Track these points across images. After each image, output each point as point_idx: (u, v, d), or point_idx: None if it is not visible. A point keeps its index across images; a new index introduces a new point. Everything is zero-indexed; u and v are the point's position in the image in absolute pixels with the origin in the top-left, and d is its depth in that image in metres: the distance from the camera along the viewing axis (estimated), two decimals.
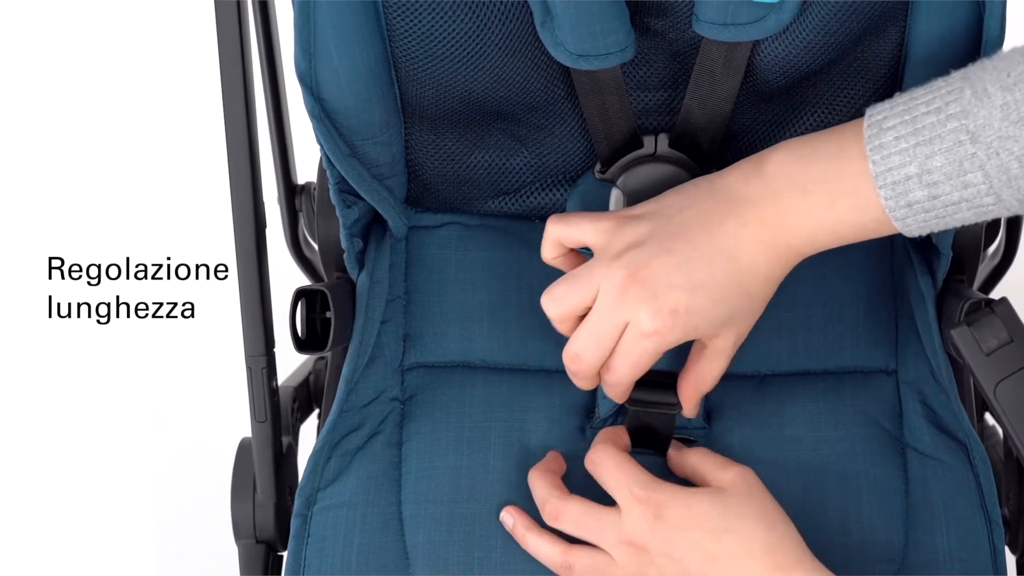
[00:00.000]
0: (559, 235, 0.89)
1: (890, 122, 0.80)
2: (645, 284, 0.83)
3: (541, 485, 0.91)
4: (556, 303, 0.87)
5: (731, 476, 0.88)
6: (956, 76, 0.80)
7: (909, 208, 0.80)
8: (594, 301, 0.85)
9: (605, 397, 0.95)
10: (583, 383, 0.89)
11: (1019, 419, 0.85)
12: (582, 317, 0.87)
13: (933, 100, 0.79)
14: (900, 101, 0.81)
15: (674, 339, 0.84)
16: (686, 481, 0.90)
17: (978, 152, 0.77)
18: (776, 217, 0.83)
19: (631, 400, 0.92)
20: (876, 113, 0.81)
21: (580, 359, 0.87)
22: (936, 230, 0.81)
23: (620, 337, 0.85)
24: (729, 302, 0.84)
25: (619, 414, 0.96)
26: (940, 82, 0.80)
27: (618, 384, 0.88)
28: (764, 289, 0.85)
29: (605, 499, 0.89)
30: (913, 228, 0.81)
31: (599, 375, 0.89)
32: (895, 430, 0.95)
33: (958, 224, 0.81)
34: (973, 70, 0.79)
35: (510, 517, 0.91)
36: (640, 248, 0.84)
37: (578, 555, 0.88)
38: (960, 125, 0.78)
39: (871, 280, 0.99)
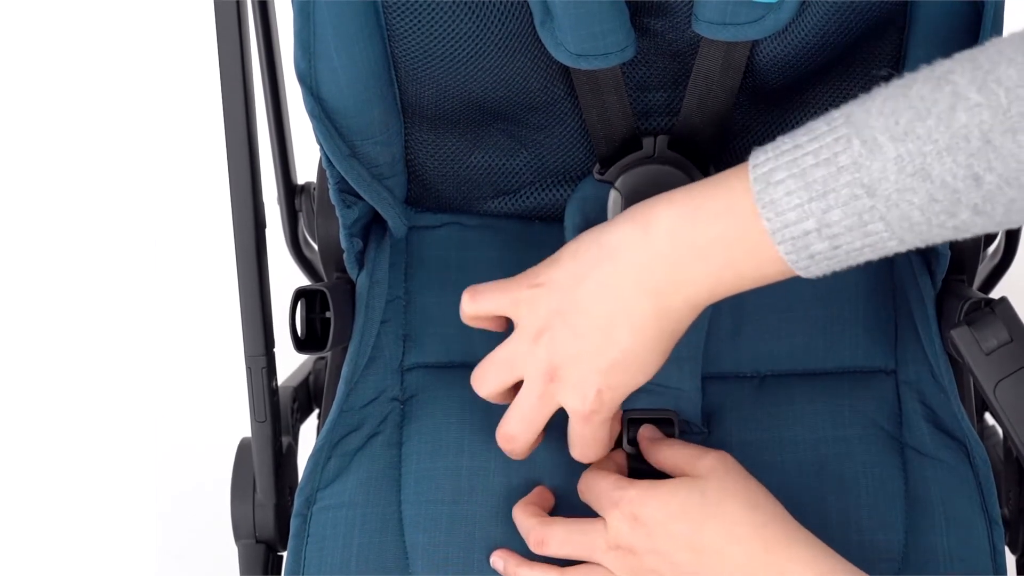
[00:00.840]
0: (476, 312, 0.89)
1: (778, 175, 0.77)
2: (565, 379, 0.84)
3: (523, 516, 0.91)
4: (484, 385, 0.89)
5: (708, 462, 0.87)
6: (838, 119, 0.75)
7: (812, 259, 0.78)
8: (519, 379, 0.87)
9: None
10: (520, 457, 0.90)
11: (1019, 419, 0.85)
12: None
13: (820, 151, 0.76)
14: (784, 149, 0.77)
15: (611, 408, 0.85)
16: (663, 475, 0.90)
17: (877, 205, 0.74)
18: (673, 284, 0.81)
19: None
20: (760, 165, 0.77)
21: (515, 440, 0.88)
22: (838, 270, 0.79)
23: (550, 416, 0.87)
24: (645, 364, 0.83)
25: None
26: (822, 126, 0.76)
27: (588, 456, 0.89)
28: (676, 338, 0.84)
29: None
30: (815, 273, 0.79)
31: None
32: (895, 430, 0.95)
33: (863, 261, 0.78)
34: (856, 113, 0.75)
35: (500, 560, 0.91)
36: (553, 332, 0.84)
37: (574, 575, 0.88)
38: (854, 179, 0.75)
39: (870, 280, 0.99)
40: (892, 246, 0.76)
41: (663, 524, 0.84)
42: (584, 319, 0.83)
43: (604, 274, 0.82)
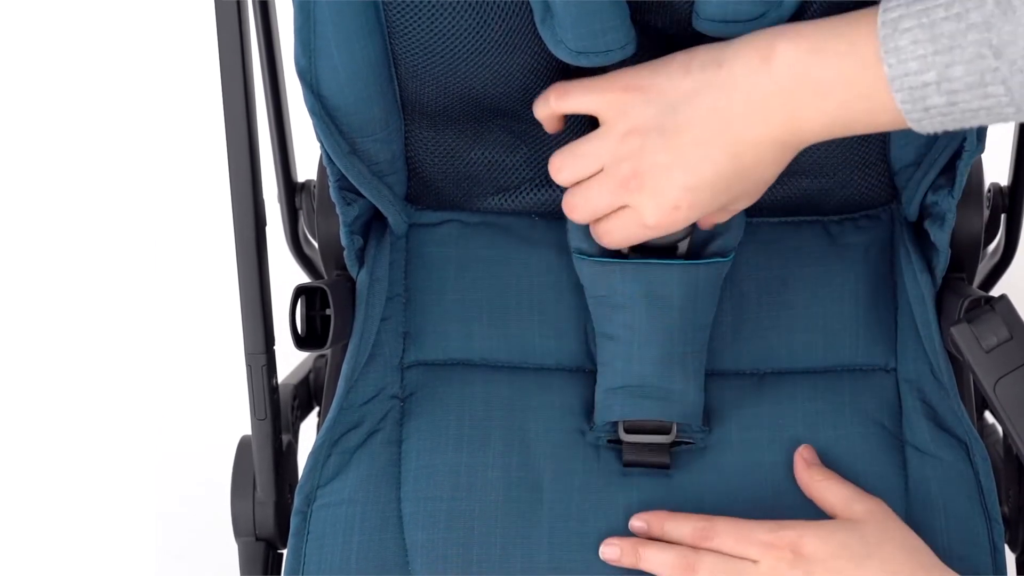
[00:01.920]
0: (561, 109, 0.88)
1: (906, 23, 0.77)
2: (646, 181, 0.83)
3: (668, 546, 0.90)
4: (560, 173, 0.88)
5: (866, 507, 0.88)
6: None
7: (926, 112, 0.77)
8: (598, 172, 0.86)
9: (602, 404, 0.95)
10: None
11: (1019, 416, 0.85)
12: None
13: (952, 4, 0.76)
14: None
15: (675, 229, 0.85)
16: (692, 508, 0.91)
17: (1001, 67, 0.75)
18: (786, 117, 0.81)
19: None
20: (891, 10, 0.77)
21: (574, 211, 0.89)
22: (951, 130, 0.79)
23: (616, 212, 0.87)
24: (732, 190, 0.84)
25: (615, 425, 0.96)
26: None
27: (605, 241, 0.89)
28: (770, 172, 0.84)
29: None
30: (928, 128, 0.79)
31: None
32: (895, 428, 0.95)
33: (974, 126, 0.78)
34: None
35: (614, 548, 0.91)
36: (644, 138, 0.83)
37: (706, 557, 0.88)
38: (983, 38, 0.75)
39: (870, 278, 0.99)
40: (1009, 113, 0.76)
41: (823, 561, 0.84)
42: (683, 136, 0.83)
43: (715, 97, 0.82)
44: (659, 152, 0.83)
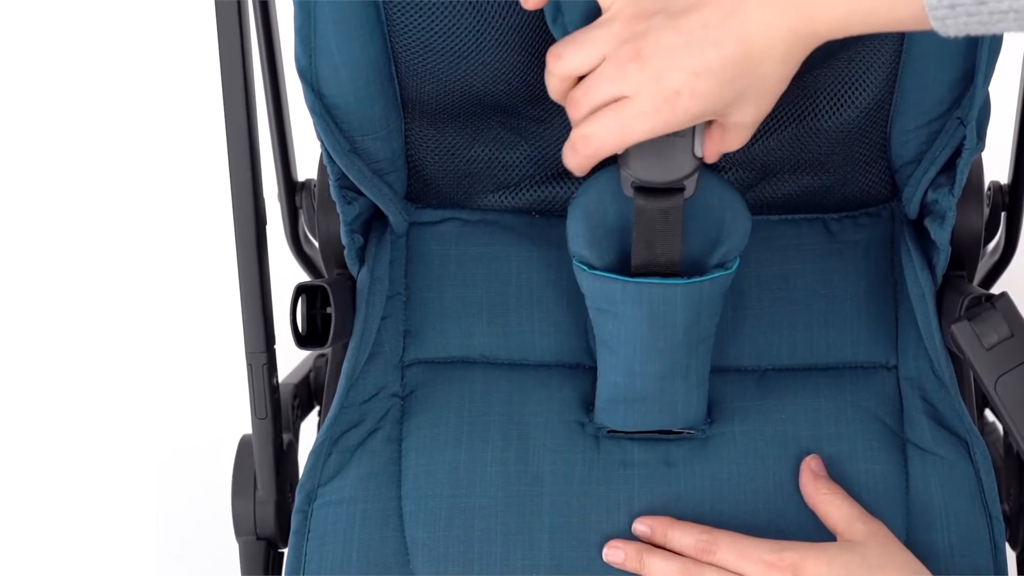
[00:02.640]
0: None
1: None
2: (648, 61, 0.78)
3: (672, 556, 0.90)
4: (559, 61, 0.81)
5: (869, 528, 0.87)
6: None
7: (951, 9, 0.73)
8: (599, 62, 0.80)
9: (603, 412, 0.95)
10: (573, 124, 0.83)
11: (1020, 414, 0.85)
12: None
13: None
14: None
15: (674, 123, 0.79)
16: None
17: None
18: (802, 4, 0.76)
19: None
20: None
21: (575, 105, 0.82)
22: (973, 34, 0.75)
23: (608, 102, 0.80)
24: (739, 84, 0.78)
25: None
26: None
27: (592, 148, 0.81)
28: (781, 70, 0.79)
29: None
30: (951, 29, 0.74)
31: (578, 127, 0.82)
32: (896, 426, 0.95)
33: (998, 32, 0.74)
34: None
35: (617, 550, 0.91)
36: (650, 20, 0.78)
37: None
38: None
39: (871, 276, 0.99)
40: None
41: None
42: (691, 17, 0.77)
43: None
44: (664, 32, 0.78)
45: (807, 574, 0.84)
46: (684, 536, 0.90)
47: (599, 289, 0.91)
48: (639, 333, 0.91)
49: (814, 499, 0.91)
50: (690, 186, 0.87)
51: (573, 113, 0.82)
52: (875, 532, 0.87)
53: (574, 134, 0.81)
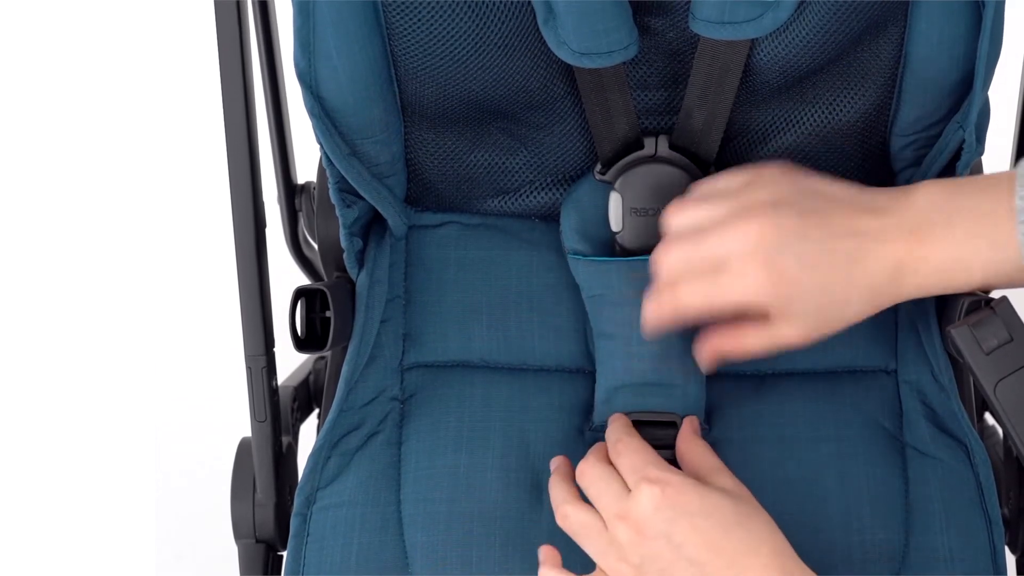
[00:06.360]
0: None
1: None
2: (768, 239, 0.83)
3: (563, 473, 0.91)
4: (682, 216, 0.88)
5: (733, 482, 0.87)
6: None
7: None
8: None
9: (603, 403, 0.95)
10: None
11: (1019, 418, 0.85)
12: None
13: None
14: None
15: (759, 302, 0.85)
16: None
17: None
18: (913, 237, 0.83)
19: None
20: None
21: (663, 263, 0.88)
22: None
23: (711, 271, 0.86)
24: (823, 297, 0.84)
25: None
26: None
27: (677, 308, 0.88)
28: (856, 308, 0.85)
29: None
30: None
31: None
32: (895, 430, 0.95)
33: None
34: None
35: (547, 553, 0.90)
36: (776, 205, 0.84)
37: (577, 508, 0.87)
38: None
39: None
40: None
41: (692, 516, 0.83)
42: (816, 218, 0.84)
43: (852, 203, 0.85)
44: (788, 217, 0.84)
45: (676, 501, 0.83)
46: (609, 434, 0.91)
47: (593, 274, 0.94)
48: (634, 313, 0.92)
49: (681, 440, 0.91)
50: None
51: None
52: (740, 486, 0.87)
53: None
